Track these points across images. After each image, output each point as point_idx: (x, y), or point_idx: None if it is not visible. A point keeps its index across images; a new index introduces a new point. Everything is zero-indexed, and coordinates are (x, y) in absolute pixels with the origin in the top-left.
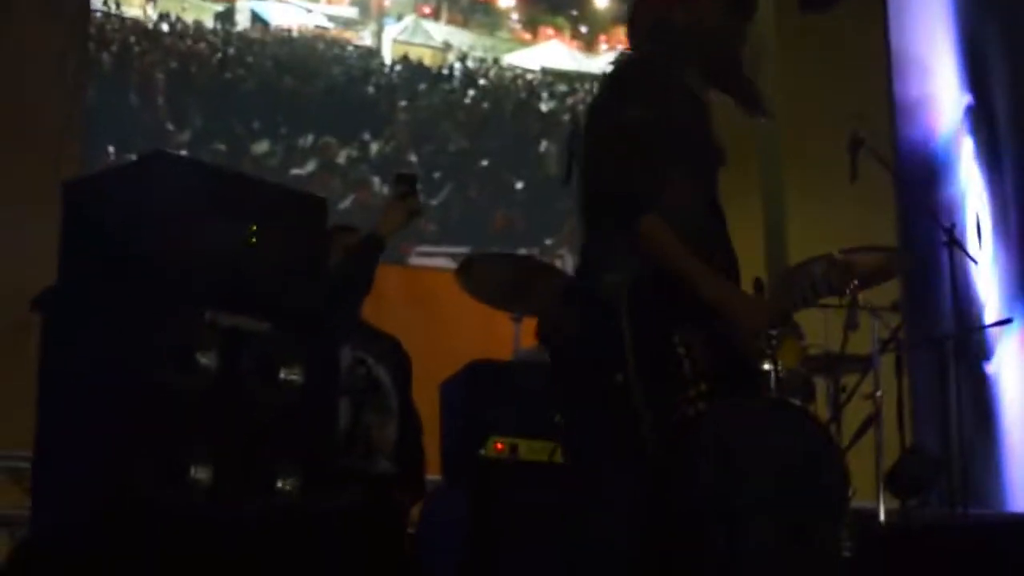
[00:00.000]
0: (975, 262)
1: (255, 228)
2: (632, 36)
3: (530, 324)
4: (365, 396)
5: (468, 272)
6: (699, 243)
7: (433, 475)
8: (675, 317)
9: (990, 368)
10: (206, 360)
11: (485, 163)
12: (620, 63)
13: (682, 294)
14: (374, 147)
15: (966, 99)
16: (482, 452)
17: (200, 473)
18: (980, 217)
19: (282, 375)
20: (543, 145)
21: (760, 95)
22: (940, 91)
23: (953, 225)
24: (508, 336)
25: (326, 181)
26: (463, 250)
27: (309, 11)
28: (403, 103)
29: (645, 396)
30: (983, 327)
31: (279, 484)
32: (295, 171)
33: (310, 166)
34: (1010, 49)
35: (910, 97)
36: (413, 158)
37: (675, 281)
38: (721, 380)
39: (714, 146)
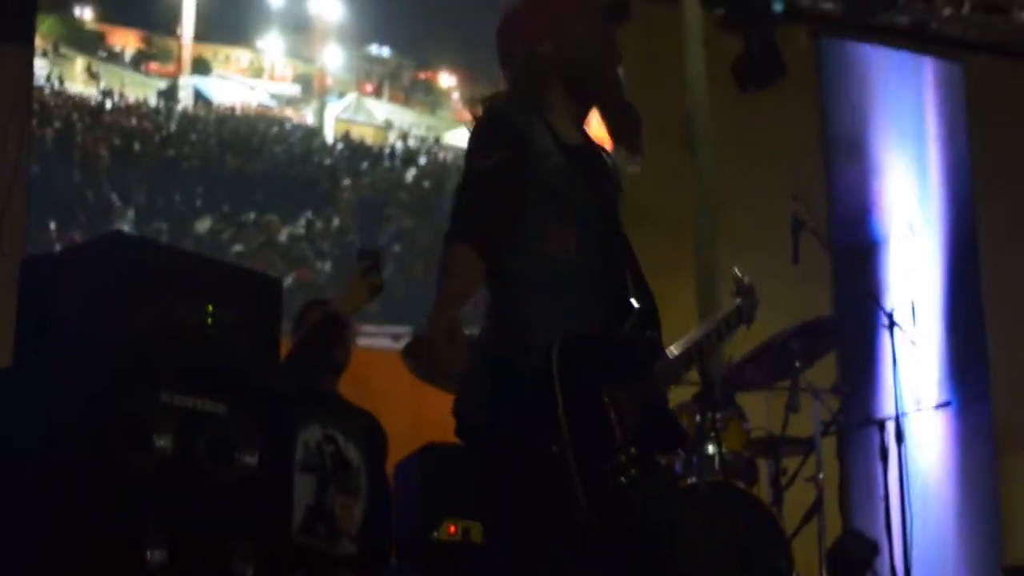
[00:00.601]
0: (915, 344)
1: (211, 308)
2: (505, 74)
3: None
4: (331, 475)
5: (413, 354)
6: (575, 288)
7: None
8: (601, 377)
9: (923, 450)
10: (162, 441)
11: (427, 242)
12: (475, 117)
13: (606, 352)
14: (316, 225)
15: (902, 180)
16: (435, 534)
17: (156, 555)
18: (915, 298)
19: (237, 456)
20: None
21: (638, 125)
22: (876, 170)
23: (894, 308)
24: (442, 417)
25: (268, 259)
26: (405, 330)
27: (252, 88)
28: (346, 182)
29: (578, 468)
30: (923, 410)
31: (234, 565)
32: (237, 248)
33: (252, 244)
34: (947, 129)
35: (845, 176)
36: (355, 237)
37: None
38: (646, 440)
39: (596, 184)
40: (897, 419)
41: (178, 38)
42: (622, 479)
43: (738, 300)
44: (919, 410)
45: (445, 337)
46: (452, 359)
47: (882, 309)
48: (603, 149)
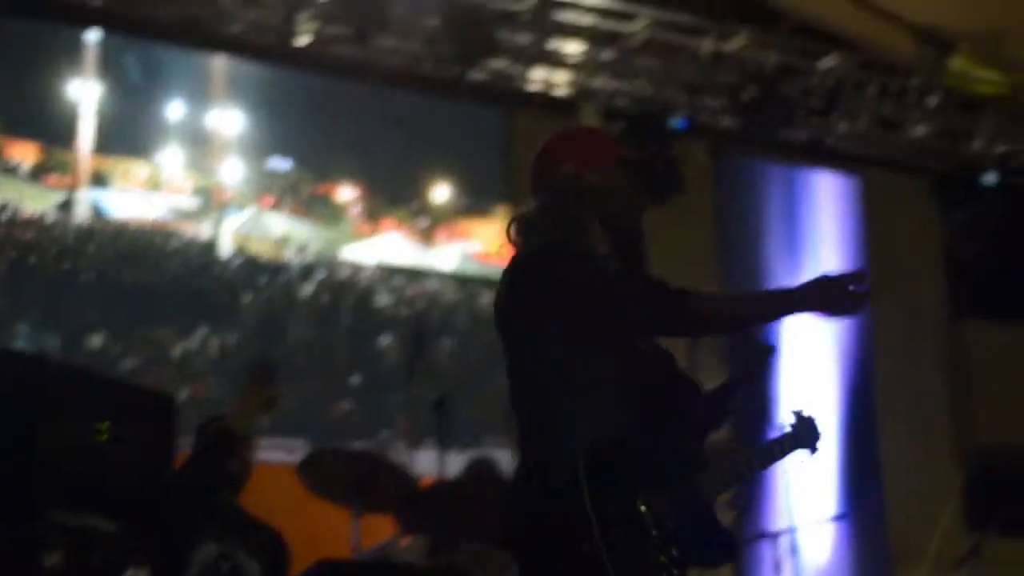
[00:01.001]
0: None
1: (106, 425)
2: (539, 190)
3: (369, 522)
4: None
5: (309, 469)
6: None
7: None
8: (636, 483)
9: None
10: (51, 560)
11: (324, 357)
12: (527, 255)
13: (641, 458)
14: (212, 340)
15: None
16: None
17: None
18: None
19: (128, 575)
20: (382, 340)
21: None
22: (771, 282)
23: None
24: (329, 533)
25: (162, 374)
26: (299, 443)
27: (150, 201)
28: (244, 296)
29: (613, 564)
30: (820, 522)
31: None
32: (130, 363)
33: (145, 359)
34: (842, 242)
35: (741, 288)
36: (251, 352)
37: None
38: (690, 544)
39: None
40: (791, 532)
41: (76, 151)
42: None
43: (791, 427)
44: (813, 524)
45: None
46: None
47: (775, 422)
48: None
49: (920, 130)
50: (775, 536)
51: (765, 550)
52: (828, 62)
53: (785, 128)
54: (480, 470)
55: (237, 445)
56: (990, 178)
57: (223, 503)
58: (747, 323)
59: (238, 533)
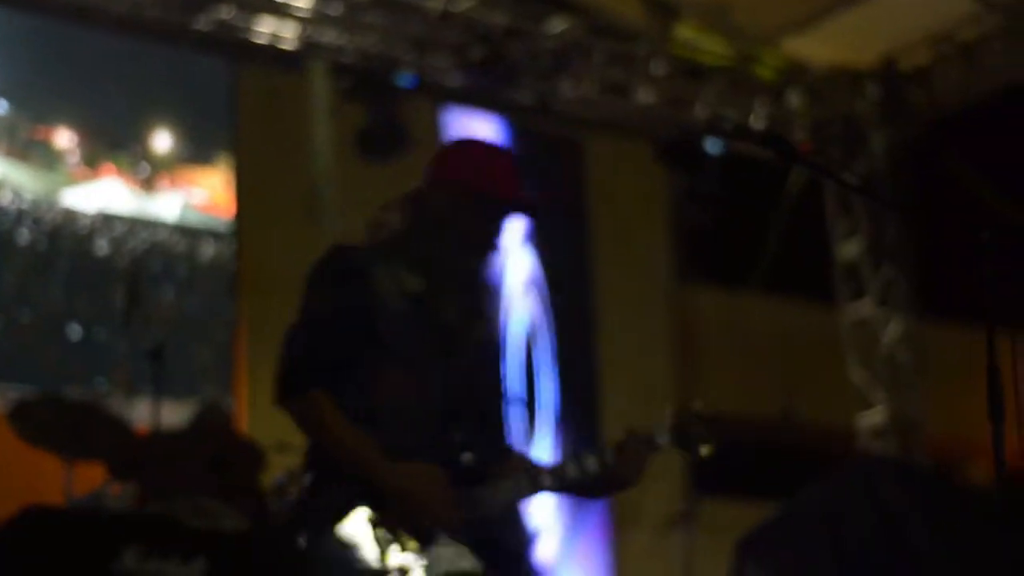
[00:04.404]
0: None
1: None
2: (436, 180)
3: (82, 469)
4: None
5: (21, 416)
6: (412, 438)
7: None
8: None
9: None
10: None
11: (41, 303)
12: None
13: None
14: None
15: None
16: None
17: None
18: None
19: None
20: (100, 288)
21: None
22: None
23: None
24: (41, 481)
25: None
26: (13, 387)
27: None
28: None
29: None
30: None
31: None
32: None
33: None
34: (567, 206)
35: None
36: None
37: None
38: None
39: (444, 337)
40: None
41: None
42: None
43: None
44: None
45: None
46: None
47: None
48: None
49: (646, 96)
50: None
51: None
52: (556, 25)
53: (511, 89)
54: (209, 420)
55: None
56: (713, 145)
57: None
58: (331, 450)
59: None
